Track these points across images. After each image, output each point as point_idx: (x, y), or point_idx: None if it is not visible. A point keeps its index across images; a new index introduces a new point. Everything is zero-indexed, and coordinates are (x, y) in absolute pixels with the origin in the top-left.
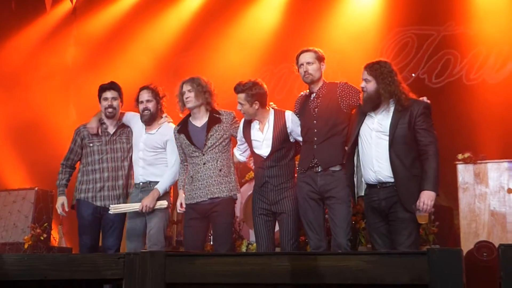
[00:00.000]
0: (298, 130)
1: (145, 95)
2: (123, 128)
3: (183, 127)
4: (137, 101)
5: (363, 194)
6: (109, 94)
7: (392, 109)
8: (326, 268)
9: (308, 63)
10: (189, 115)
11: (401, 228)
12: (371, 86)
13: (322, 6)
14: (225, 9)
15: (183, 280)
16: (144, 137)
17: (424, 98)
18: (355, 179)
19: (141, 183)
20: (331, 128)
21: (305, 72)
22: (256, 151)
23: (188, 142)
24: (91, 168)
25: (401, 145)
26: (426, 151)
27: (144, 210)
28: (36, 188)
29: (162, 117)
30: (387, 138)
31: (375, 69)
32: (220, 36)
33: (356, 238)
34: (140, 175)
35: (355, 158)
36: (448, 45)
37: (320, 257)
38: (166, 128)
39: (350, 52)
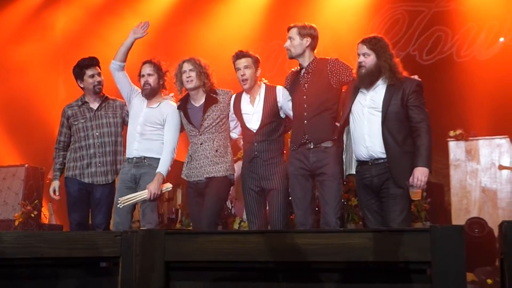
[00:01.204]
0: (288, 105)
1: (147, 69)
2: (108, 102)
3: (183, 104)
4: (139, 75)
5: (353, 172)
6: (93, 71)
7: (384, 86)
8: (328, 246)
9: (289, 38)
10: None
11: (392, 204)
12: (371, 60)
13: None
14: None
15: (182, 258)
16: (145, 111)
17: (415, 77)
18: (344, 157)
19: (134, 158)
20: (321, 103)
21: (286, 47)
22: (246, 124)
23: (186, 120)
24: (78, 146)
25: (393, 122)
26: (418, 128)
27: (152, 198)
28: (27, 165)
29: (166, 95)
30: (380, 114)
31: (374, 43)
32: (211, 13)
33: (348, 216)
34: (135, 149)
35: (344, 136)
36: (439, 22)
37: (323, 235)
38: (166, 105)
39: (342, 29)
